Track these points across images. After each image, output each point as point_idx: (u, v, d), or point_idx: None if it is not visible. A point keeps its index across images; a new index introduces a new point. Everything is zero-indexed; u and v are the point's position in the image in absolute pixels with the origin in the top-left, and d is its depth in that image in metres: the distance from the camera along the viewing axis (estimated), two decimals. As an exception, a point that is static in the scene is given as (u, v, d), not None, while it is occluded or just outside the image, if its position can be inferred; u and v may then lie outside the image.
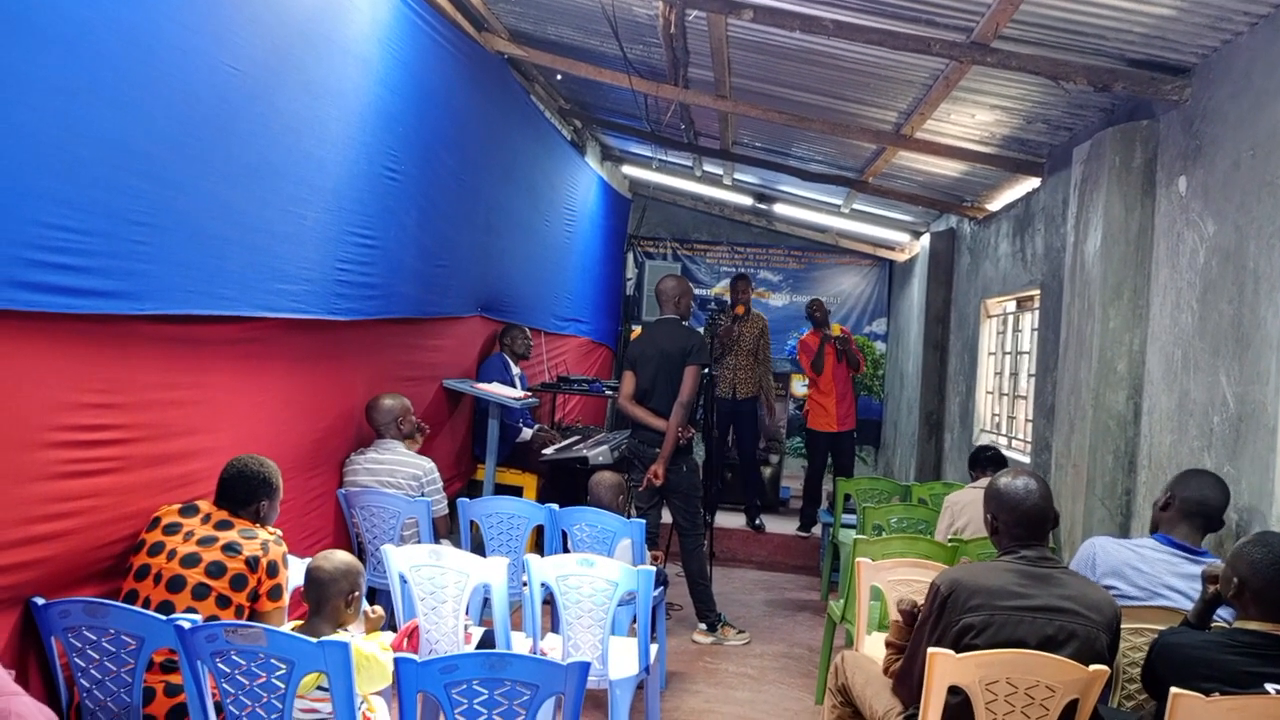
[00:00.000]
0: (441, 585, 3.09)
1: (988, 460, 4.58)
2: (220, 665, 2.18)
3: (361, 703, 2.42)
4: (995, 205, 6.40)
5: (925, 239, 7.92)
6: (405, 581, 3.15)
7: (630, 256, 10.30)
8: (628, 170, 9.46)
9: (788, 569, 6.93)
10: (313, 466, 3.86)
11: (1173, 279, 3.67)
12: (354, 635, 2.45)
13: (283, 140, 3.29)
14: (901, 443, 8.72)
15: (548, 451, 5.54)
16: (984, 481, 4.33)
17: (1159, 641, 2.40)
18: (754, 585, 6.47)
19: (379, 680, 2.42)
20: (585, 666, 2.12)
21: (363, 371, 4.26)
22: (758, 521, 7.27)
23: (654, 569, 3.13)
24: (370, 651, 2.37)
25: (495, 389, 5.29)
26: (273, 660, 2.16)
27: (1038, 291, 5.36)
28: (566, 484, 5.64)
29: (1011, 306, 6.15)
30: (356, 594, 2.46)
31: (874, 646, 3.52)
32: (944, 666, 2.38)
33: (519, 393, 5.45)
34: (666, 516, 5.08)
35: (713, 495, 6.59)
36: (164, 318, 2.73)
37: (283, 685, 2.16)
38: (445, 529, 4.22)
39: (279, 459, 3.46)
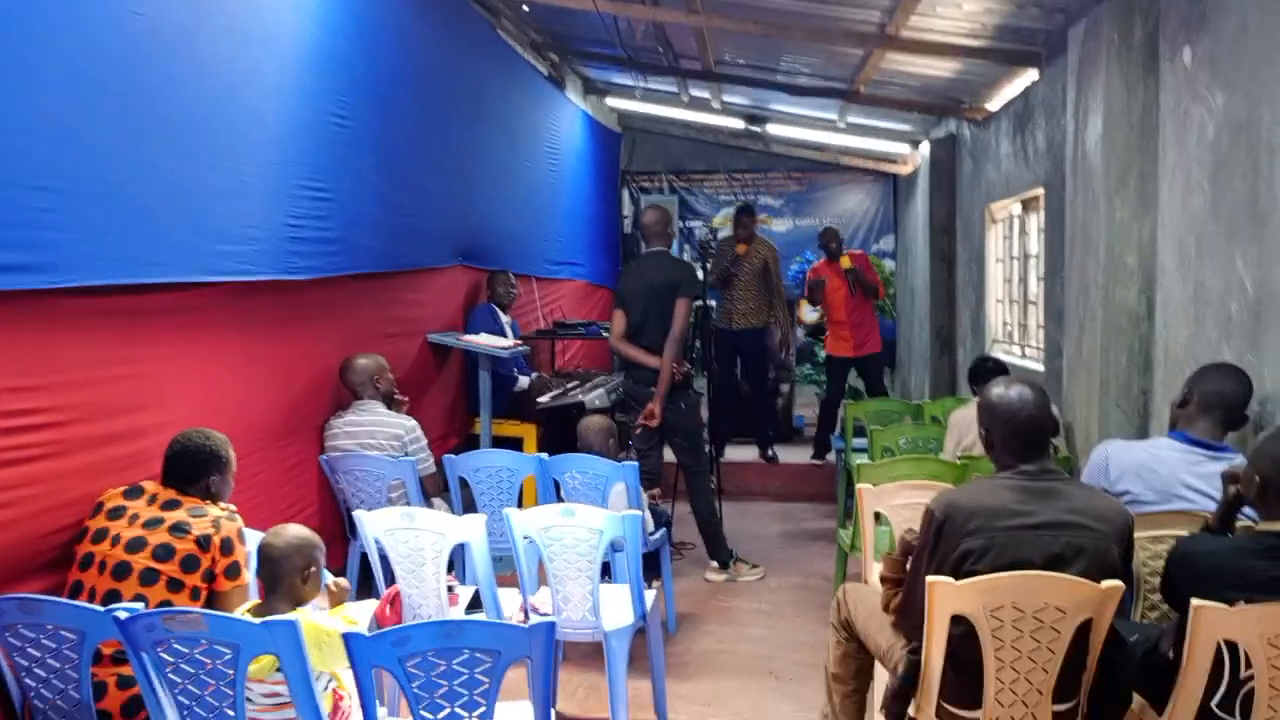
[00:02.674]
0: (418, 548, 2.95)
1: (988, 372, 4.28)
2: (163, 655, 2.04)
3: (330, 681, 2.27)
4: (994, 104, 6.07)
5: (924, 148, 7.59)
6: (382, 547, 3.01)
7: (626, 193, 10.01)
8: (613, 103, 9.13)
9: (804, 498, 6.77)
10: (287, 434, 3.71)
11: (1181, 160, 3.39)
12: (313, 612, 2.30)
13: (209, 91, 3.06)
14: (915, 361, 8.48)
15: (542, 399, 5.37)
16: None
17: (1177, 551, 2.20)
18: (769, 518, 6.33)
19: (344, 656, 2.27)
20: (549, 628, 1.95)
21: (335, 332, 4.08)
22: (770, 452, 7.11)
23: (641, 514, 2.96)
24: (331, 627, 2.22)
25: (483, 339, 5.10)
26: (216, 646, 2.01)
27: (1041, 190, 5.07)
28: (565, 432, 5.45)
29: (1017, 209, 5.86)
30: (313, 569, 2.31)
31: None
32: (945, 596, 2.20)
33: (508, 341, 5.26)
34: (669, 455, 4.91)
35: (721, 431, 6.43)
36: (88, 290, 2.54)
37: (230, 671, 2.01)
38: (435, 488, 4.07)
39: (245, 430, 3.32)
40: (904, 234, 9.51)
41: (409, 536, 2.94)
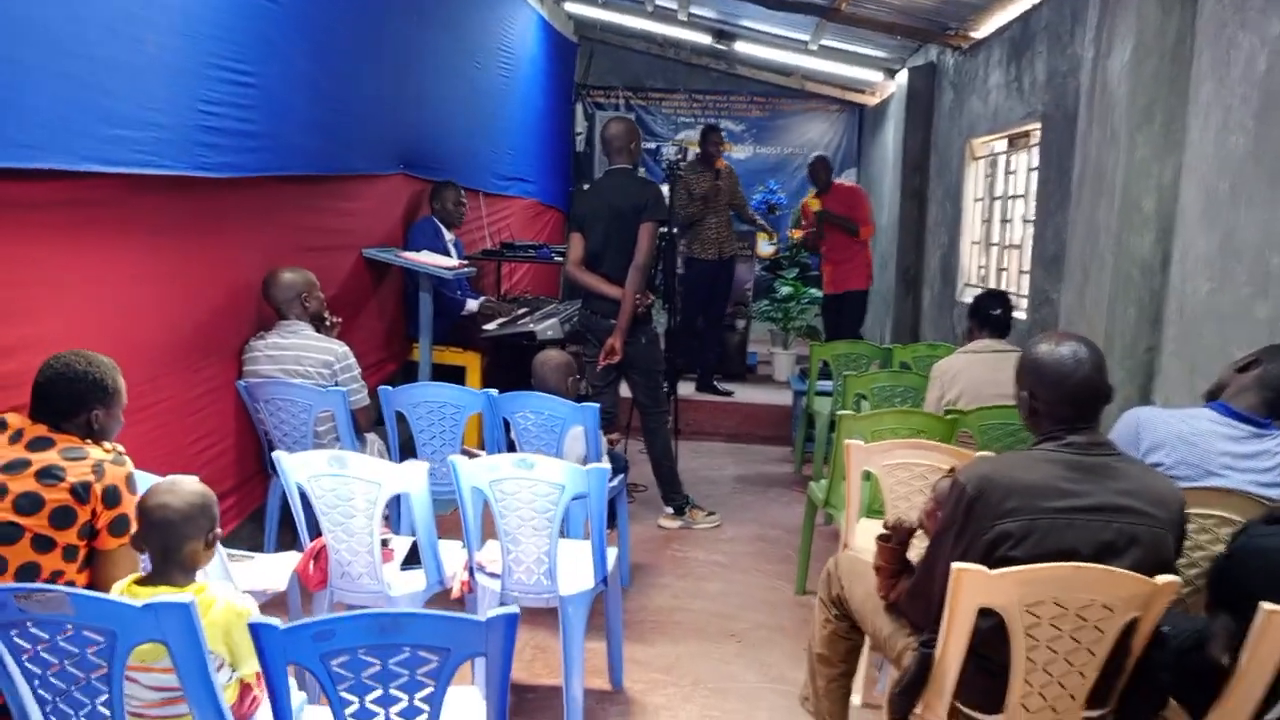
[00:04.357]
0: (347, 497, 2.53)
1: (995, 320, 3.72)
2: (17, 640, 1.61)
3: (234, 671, 1.85)
4: (983, 31, 5.67)
5: (902, 76, 7.17)
6: (306, 494, 2.59)
7: (579, 108, 9.41)
8: (571, 8, 8.48)
9: (758, 439, 6.48)
10: (197, 356, 3.23)
11: (1219, 95, 3.05)
12: (218, 584, 1.89)
13: (101, -64, 2.50)
14: (875, 301, 8.19)
15: (489, 327, 4.92)
16: (980, 344, 3.79)
17: (1246, 542, 1.91)
18: (723, 459, 6.03)
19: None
20: (510, 622, 1.58)
21: (258, 241, 3.57)
22: (716, 384, 6.80)
23: (607, 466, 2.58)
24: (245, 606, 1.81)
25: (425, 258, 4.62)
26: (85, 633, 1.59)
27: (1038, 125, 4.72)
28: (513, 363, 5.04)
29: (1002, 146, 5.51)
30: (217, 530, 1.88)
31: (866, 538, 3.05)
32: (974, 585, 1.87)
33: (453, 261, 4.78)
34: (625, 391, 4.53)
35: (676, 367, 6.07)
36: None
37: (103, 664, 1.60)
38: (368, 422, 3.64)
39: (143, 351, 2.85)
40: (869, 168, 9.14)
41: (337, 484, 2.52)
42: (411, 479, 2.52)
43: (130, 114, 2.65)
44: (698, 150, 6.65)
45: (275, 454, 2.57)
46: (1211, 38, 3.11)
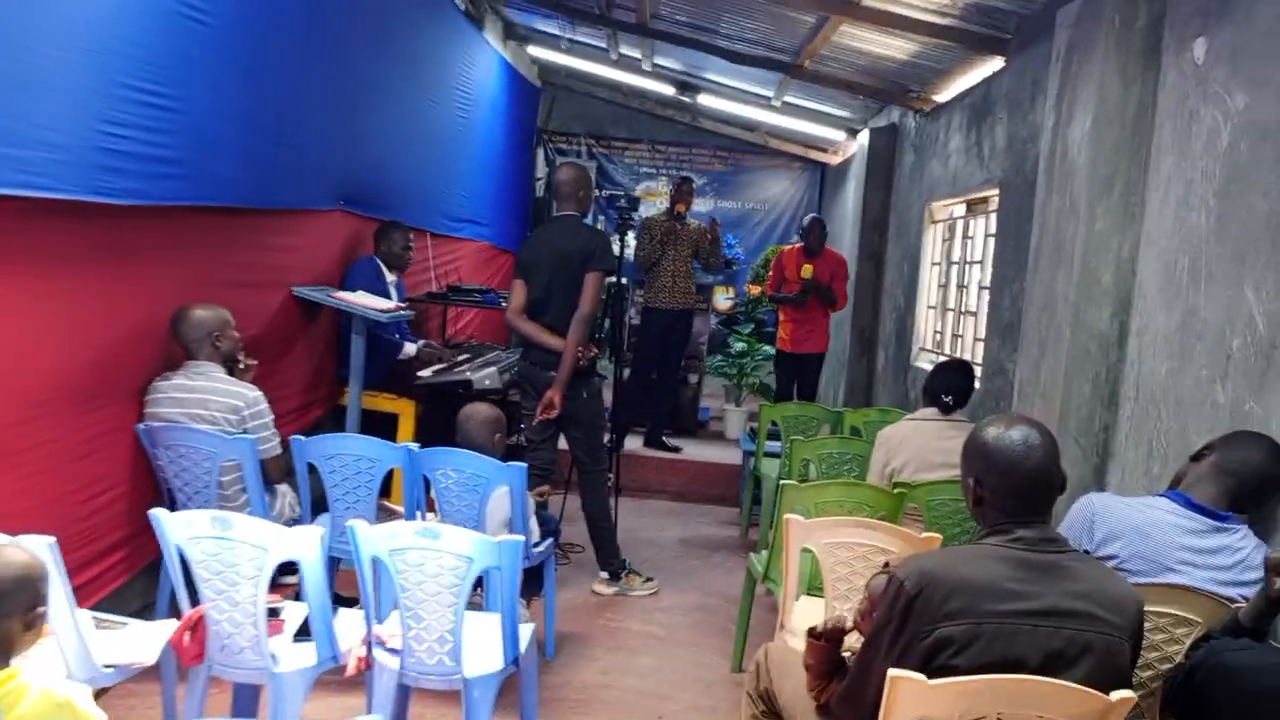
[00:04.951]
0: (231, 563, 2.28)
1: (952, 390, 3.54)
2: None
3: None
4: (945, 95, 5.63)
5: (864, 136, 7.13)
6: (185, 558, 2.33)
7: (541, 153, 9.30)
8: (535, 51, 8.39)
9: (705, 499, 6.28)
10: (91, 398, 2.96)
11: (1180, 169, 2.95)
12: (36, 673, 1.63)
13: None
14: (830, 362, 8.08)
15: (424, 374, 4.68)
16: (927, 412, 3.65)
17: (1210, 657, 1.74)
18: (667, 519, 5.81)
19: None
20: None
21: (171, 274, 3.33)
22: (665, 439, 6.61)
23: (519, 539, 2.36)
24: (67, 695, 1.56)
25: (359, 298, 4.39)
26: None
27: (996, 191, 4.64)
28: (450, 413, 4.79)
29: (960, 210, 5.44)
30: (40, 609, 1.63)
31: (805, 617, 2.85)
32: (910, 696, 1.68)
33: (389, 304, 4.56)
34: (565, 444, 4.31)
35: (622, 420, 5.88)
36: None
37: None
38: (279, 473, 3.39)
39: (20, 388, 2.59)
40: (829, 226, 9.05)
41: (219, 549, 2.27)
42: (302, 545, 2.28)
43: (21, 131, 2.43)
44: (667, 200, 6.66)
45: (153, 513, 2.31)
46: (1172, 110, 3.03)
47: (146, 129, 2.95)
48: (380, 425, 4.51)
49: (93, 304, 2.92)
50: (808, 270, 6.12)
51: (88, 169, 2.71)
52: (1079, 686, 1.65)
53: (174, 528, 2.30)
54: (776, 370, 6.67)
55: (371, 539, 2.34)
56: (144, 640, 2.39)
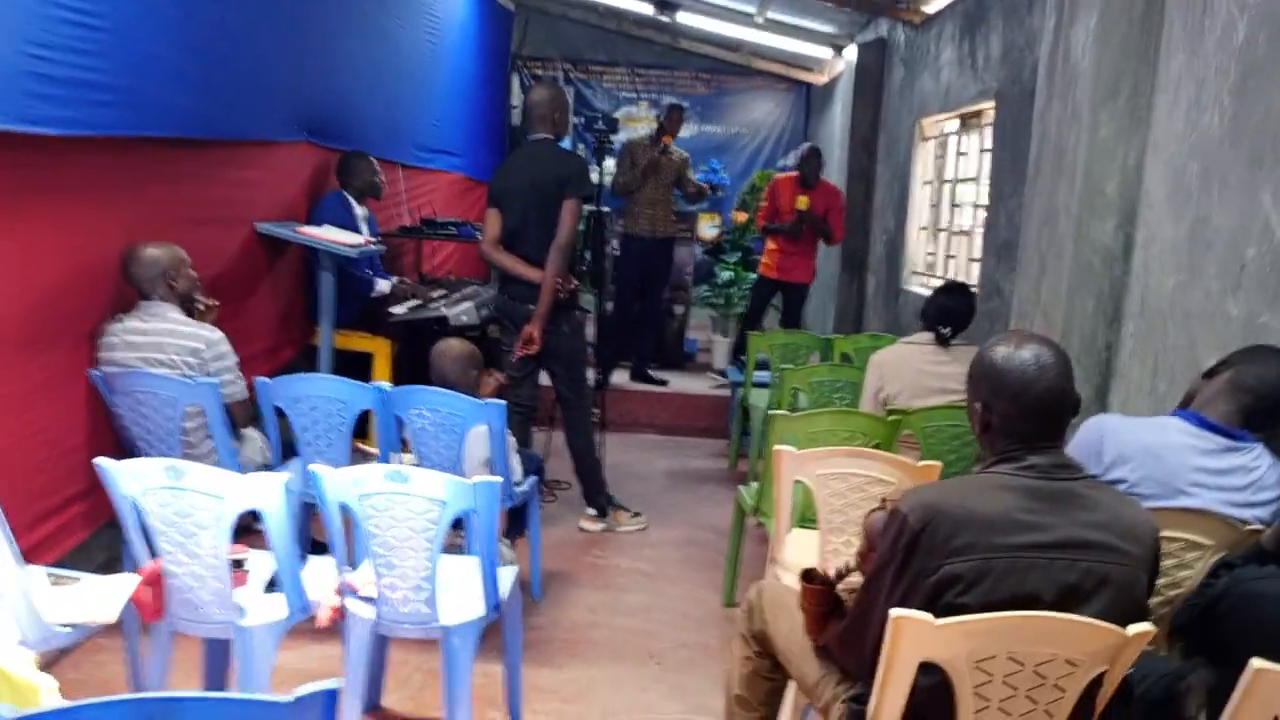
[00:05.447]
0: (186, 513, 2.14)
1: (950, 318, 3.33)
2: None
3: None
4: (936, 5, 5.38)
5: (851, 52, 6.87)
6: (140, 509, 2.19)
7: (515, 80, 8.96)
8: (506, -27, 8.02)
9: (693, 432, 6.17)
10: (38, 340, 2.78)
11: (1191, 68, 2.77)
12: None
13: None
14: (818, 288, 7.92)
15: (398, 311, 4.51)
16: (921, 336, 3.49)
17: (1240, 589, 1.62)
18: (654, 453, 5.71)
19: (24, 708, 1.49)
20: (330, 698, 1.21)
21: (123, 211, 3.12)
22: (651, 372, 6.48)
23: (497, 480, 2.22)
24: (21, 675, 1.42)
25: (325, 233, 4.18)
26: None
27: (992, 104, 4.44)
28: (427, 350, 4.64)
29: (953, 126, 5.23)
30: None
31: (798, 551, 2.75)
32: (916, 636, 1.56)
33: (359, 238, 4.35)
34: (546, 380, 4.16)
35: (607, 355, 5.73)
36: None
37: None
38: (245, 418, 3.23)
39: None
40: (816, 150, 8.83)
41: (171, 499, 2.13)
42: (263, 493, 2.14)
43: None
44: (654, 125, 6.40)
45: (98, 461, 2.15)
46: (1184, 4, 2.82)
47: (76, 51, 2.71)
48: (355, 365, 4.35)
49: (32, 241, 2.71)
50: (803, 202, 5.88)
51: (14, 95, 2.48)
52: (1094, 621, 1.53)
53: (124, 478, 2.15)
54: (752, 294, 6.47)
55: (337, 484, 2.20)
56: (102, 596, 2.25)
